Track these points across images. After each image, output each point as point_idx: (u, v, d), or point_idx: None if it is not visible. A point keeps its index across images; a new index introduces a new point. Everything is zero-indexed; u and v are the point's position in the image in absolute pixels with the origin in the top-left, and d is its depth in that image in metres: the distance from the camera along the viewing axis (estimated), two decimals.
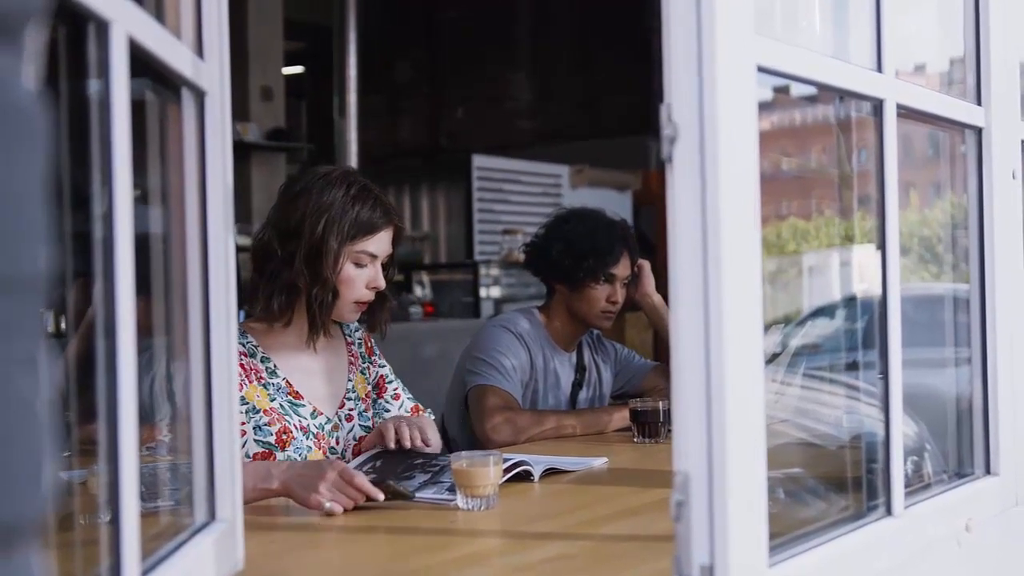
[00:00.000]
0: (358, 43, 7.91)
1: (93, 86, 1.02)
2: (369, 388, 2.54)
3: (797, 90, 1.60)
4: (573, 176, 8.44)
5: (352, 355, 2.53)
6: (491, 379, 2.95)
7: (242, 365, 2.29)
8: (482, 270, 7.51)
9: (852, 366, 1.96)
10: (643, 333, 6.41)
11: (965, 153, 1.93)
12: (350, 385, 2.49)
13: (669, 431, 2.75)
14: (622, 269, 3.10)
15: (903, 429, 1.60)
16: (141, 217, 1.10)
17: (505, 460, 2.11)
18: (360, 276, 2.35)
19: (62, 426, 0.69)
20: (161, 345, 1.46)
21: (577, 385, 3.21)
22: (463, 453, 2.04)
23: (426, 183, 8.80)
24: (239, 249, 2.03)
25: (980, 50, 1.88)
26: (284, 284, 2.31)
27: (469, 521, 1.91)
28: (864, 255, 1.86)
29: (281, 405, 2.32)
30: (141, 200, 1.21)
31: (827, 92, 1.65)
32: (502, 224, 8.03)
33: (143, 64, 1.15)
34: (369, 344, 2.59)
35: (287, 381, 2.36)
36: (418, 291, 7.46)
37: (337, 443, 2.41)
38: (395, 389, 2.58)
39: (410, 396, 2.60)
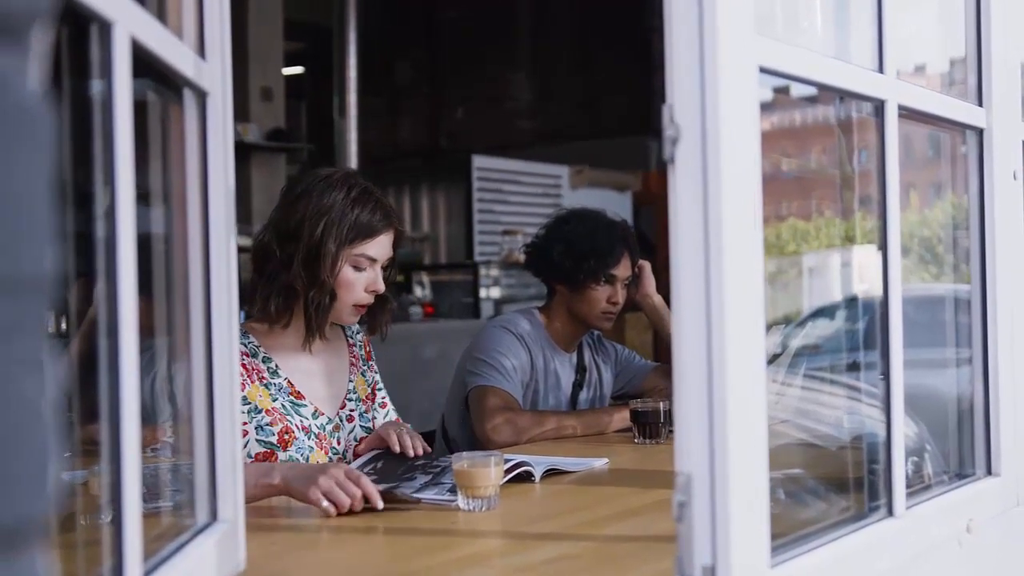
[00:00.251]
0: (358, 43, 7.91)
1: (96, 86, 1.02)
2: (369, 391, 2.55)
3: (797, 91, 1.60)
4: (573, 177, 8.44)
5: (353, 356, 2.53)
6: (492, 380, 2.95)
7: (244, 365, 2.29)
8: (482, 271, 7.51)
9: (853, 367, 1.96)
10: (643, 334, 6.41)
11: (965, 154, 1.93)
12: (351, 386, 2.49)
13: (670, 432, 2.75)
14: (623, 270, 3.10)
15: (903, 430, 1.60)
16: (143, 217, 1.09)
17: (506, 461, 2.11)
18: (359, 279, 2.34)
19: (64, 426, 0.69)
20: (163, 345, 1.46)
21: (577, 386, 3.21)
22: (464, 454, 2.04)
23: (426, 183, 8.80)
24: (239, 250, 2.03)
25: (981, 51, 1.88)
26: (282, 286, 2.30)
27: (470, 522, 1.91)
28: (864, 256, 1.86)
29: (283, 405, 2.32)
30: (143, 200, 1.21)
31: (827, 93, 1.65)
32: (502, 225, 8.03)
33: (145, 64, 1.15)
34: (368, 348, 2.59)
35: (288, 381, 2.36)
36: (418, 292, 7.46)
37: (338, 443, 2.41)
38: (383, 397, 2.58)
39: (392, 408, 2.61)
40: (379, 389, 2.58)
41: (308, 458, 2.31)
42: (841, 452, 1.96)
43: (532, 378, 3.08)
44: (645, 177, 8.44)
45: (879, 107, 1.58)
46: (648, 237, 7.11)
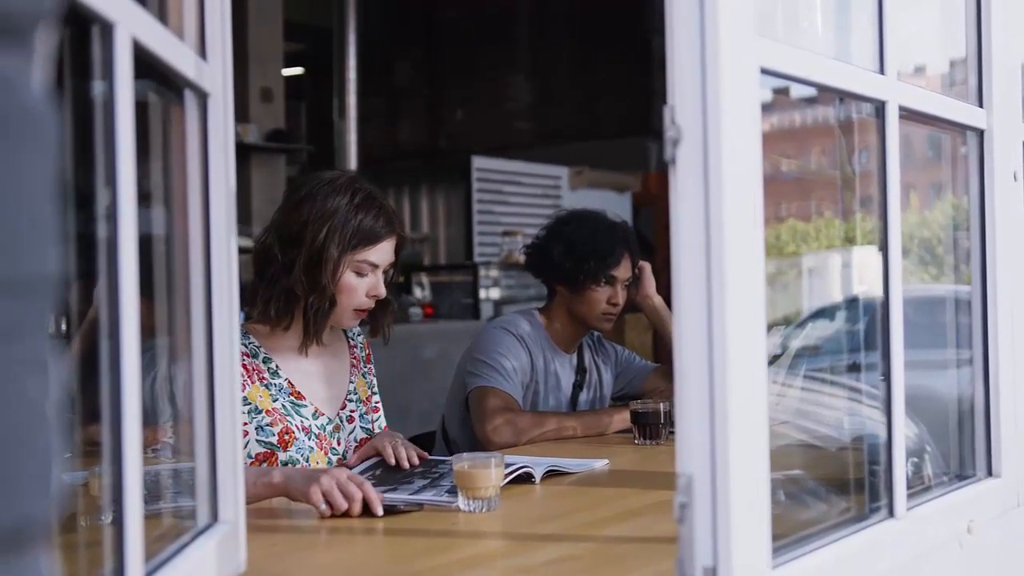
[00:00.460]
0: (358, 44, 7.91)
1: (97, 87, 1.02)
2: (369, 392, 2.55)
3: (796, 92, 1.60)
4: (572, 178, 8.45)
5: (354, 358, 2.53)
6: (492, 381, 2.95)
7: (244, 366, 2.29)
8: (482, 271, 7.51)
9: (853, 368, 1.96)
10: (643, 335, 6.41)
11: (965, 154, 1.93)
12: (351, 387, 2.49)
13: (670, 433, 2.75)
14: (623, 271, 3.10)
15: (904, 431, 1.60)
16: (144, 218, 1.09)
17: (507, 465, 2.11)
18: (360, 285, 2.34)
19: (66, 427, 0.69)
20: (163, 345, 1.46)
21: (578, 387, 3.21)
22: (464, 455, 2.04)
23: (426, 184, 8.81)
24: (239, 251, 2.03)
25: (982, 52, 1.88)
26: (282, 289, 2.30)
27: (470, 523, 1.91)
28: (864, 256, 1.86)
29: (283, 406, 2.32)
30: (144, 201, 1.21)
31: (828, 93, 1.66)
32: (502, 225, 8.04)
33: (146, 65, 1.15)
34: (368, 351, 2.59)
35: (289, 382, 2.36)
36: (418, 292, 7.46)
37: (338, 444, 2.41)
38: (376, 402, 2.58)
39: (382, 414, 2.60)
40: (375, 393, 2.58)
41: (308, 459, 2.31)
42: (841, 453, 1.96)
43: (532, 379, 3.08)
44: (644, 178, 8.44)
45: (880, 108, 1.58)
46: (647, 238, 7.10)
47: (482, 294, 7.45)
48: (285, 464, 2.27)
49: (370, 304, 2.37)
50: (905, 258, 1.61)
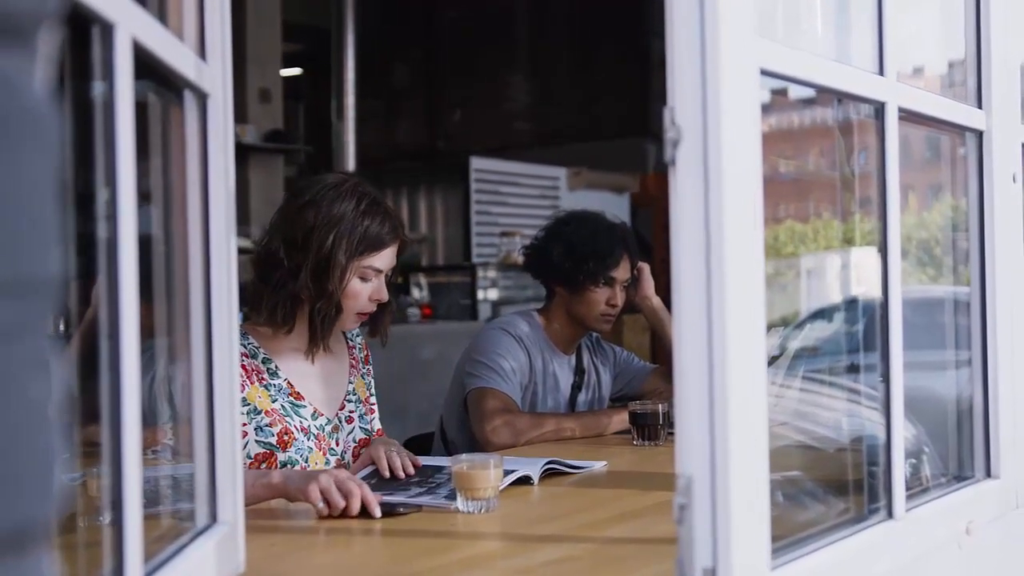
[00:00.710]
0: (356, 45, 7.91)
1: (97, 88, 1.02)
2: (368, 393, 2.55)
3: (795, 93, 1.60)
4: (571, 178, 8.45)
5: (353, 359, 2.53)
6: (490, 382, 2.95)
7: (243, 366, 2.29)
8: (480, 272, 7.51)
9: (851, 369, 1.96)
10: (640, 336, 6.41)
11: (964, 156, 1.94)
12: (351, 388, 2.49)
13: (669, 434, 2.75)
14: (622, 272, 3.10)
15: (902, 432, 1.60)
16: (143, 218, 1.09)
17: (506, 472, 2.11)
18: (364, 289, 2.35)
19: (66, 428, 0.69)
20: (162, 346, 1.46)
21: (576, 387, 3.21)
22: (463, 456, 2.04)
23: (424, 185, 8.81)
24: (237, 251, 2.03)
25: (981, 53, 1.88)
26: (289, 295, 2.30)
27: (469, 524, 1.91)
28: (863, 257, 1.86)
29: (283, 406, 2.32)
30: (143, 202, 1.21)
31: (827, 95, 1.65)
32: (500, 226, 8.04)
33: (146, 66, 1.15)
34: (366, 351, 2.59)
35: (288, 382, 2.36)
36: (416, 293, 7.46)
37: (337, 444, 2.41)
38: (372, 403, 2.58)
39: (377, 416, 2.60)
40: (372, 394, 2.58)
41: (307, 459, 2.31)
42: (840, 454, 1.96)
43: (531, 380, 3.08)
44: (643, 179, 8.44)
45: (879, 109, 1.58)
46: (646, 239, 7.10)
47: (480, 295, 7.45)
48: (284, 465, 2.27)
49: (372, 308, 2.38)
50: (903, 259, 1.61)
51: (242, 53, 7.22)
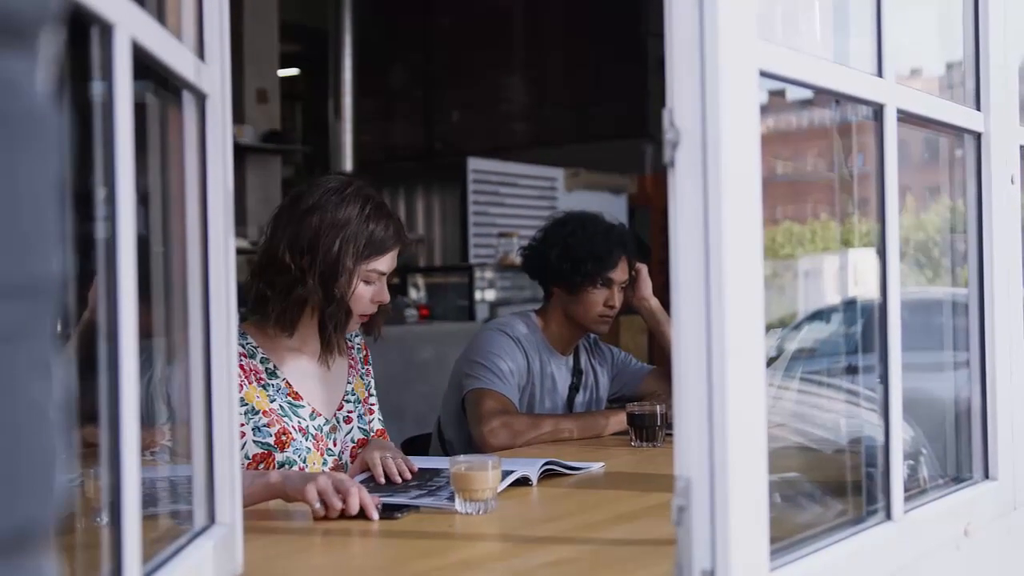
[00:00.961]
0: (353, 46, 7.91)
1: (96, 88, 1.02)
2: (367, 394, 2.55)
3: (792, 94, 1.60)
4: (568, 179, 8.44)
5: (352, 359, 2.53)
6: (488, 383, 2.95)
7: (241, 366, 2.29)
8: (477, 273, 7.50)
9: (848, 370, 1.96)
10: (638, 337, 6.41)
11: (962, 157, 1.94)
12: (349, 388, 2.49)
13: (667, 435, 2.75)
14: (620, 273, 3.10)
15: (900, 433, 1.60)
16: (141, 219, 1.09)
17: (505, 472, 2.10)
18: (367, 292, 2.36)
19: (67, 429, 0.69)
20: (159, 347, 1.45)
21: (574, 389, 3.21)
22: (461, 457, 2.03)
23: (421, 186, 8.80)
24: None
25: (979, 55, 1.88)
26: (296, 300, 2.31)
27: (468, 525, 1.90)
28: (860, 259, 1.86)
29: (281, 406, 2.32)
30: (142, 202, 1.21)
31: (825, 96, 1.65)
32: (497, 227, 8.03)
33: (144, 67, 1.15)
34: (366, 352, 2.59)
35: (287, 382, 2.36)
36: (413, 294, 7.46)
37: (334, 444, 2.41)
38: (372, 404, 2.58)
39: (380, 417, 2.60)
40: (371, 394, 2.58)
41: (305, 459, 2.31)
42: (838, 456, 1.96)
43: (528, 381, 3.08)
44: (640, 180, 8.44)
45: (878, 111, 1.58)
46: (644, 240, 7.11)
47: (477, 296, 7.44)
48: (282, 465, 2.26)
49: (374, 310, 2.39)
50: (901, 261, 1.61)
51: (239, 53, 7.21)
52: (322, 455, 2.36)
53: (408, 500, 2.03)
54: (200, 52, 1.39)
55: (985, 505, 1.85)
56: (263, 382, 2.33)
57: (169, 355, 1.47)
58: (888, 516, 1.57)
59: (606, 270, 3.07)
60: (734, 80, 1.21)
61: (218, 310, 1.42)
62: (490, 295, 7.49)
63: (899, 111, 1.60)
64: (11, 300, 0.58)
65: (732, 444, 1.19)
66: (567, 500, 2.17)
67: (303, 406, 2.36)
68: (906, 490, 1.61)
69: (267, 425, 2.28)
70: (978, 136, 1.89)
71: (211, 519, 1.42)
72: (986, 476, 1.89)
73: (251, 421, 2.27)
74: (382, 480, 2.18)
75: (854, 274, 1.98)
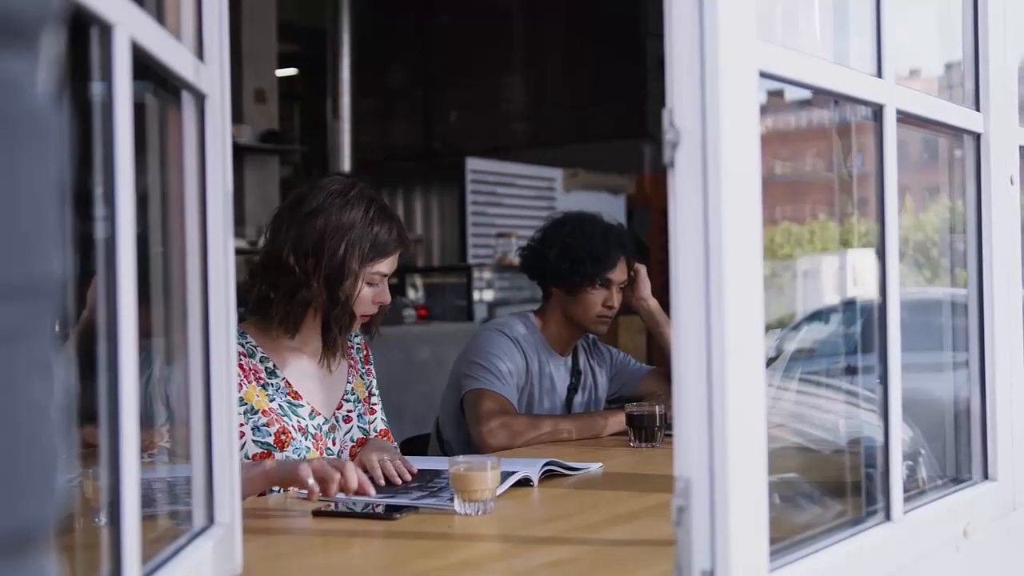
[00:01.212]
0: (352, 46, 7.91)
1: (96, 88, 1.01)
2: (367, 393, 2.55)
3: (791, 94, 1.60)
4: (567, 179, 8.45)
5: (352, 359, 2.53)
6: (487, 383, 2.95)
7: (241, 365, 2.29)
8: (475, 273, 7.51)
9: (848, 370, 1.96)
10: (636, 337, 6.41)
11: (961, 157, 1.94)
12: (349, 387, 2.49)
13: (666, 436, 2.75)
14: (619, 274, 3.10)
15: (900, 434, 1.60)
16: (140, 219, 1.09)
17: (506, 473, 2.10)
18: (370, 294, 2.37)
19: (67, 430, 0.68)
20: (158, 347, 1.45)
21: (572, 389, 3.21)
22: (460, 458, 2.03)
23: (420, 186, 8.81)
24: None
25: (979, 55, 1.88)
26: (301, 302, 2.31)
27: (467, 526, 1.90)
28: (859, 259, 1.86)
29: (280, 406, 2.33)
30: (141, 202, 1.21)
31: (822, 96, 1.65)
32: (496, 227, 8.03)
33: (144, 67, 1.15)
34: (366, 351, 2.60)
35: (287, 381, 2.36)
36: (411, 294, 7.46)
37: (334, 444, 2.41)
38: (374, 404, 2.58)
39: (383, 418, 2.60)
40: (373, 394, 2.58)
41: (305, 458, 2.31)
42: (837, 456, 1.96)
43: (527, 381, 3.08)
44: (639, 180, 8.44)
45: (878, 112, 1.58)
46: (642, 241, 7.11)
47: (476, 296, 7.45)
48: (277, 484, 2.25)
49: (375, 311, 2.40)
50: (900, 261, 1.61)
51: (238, 53, 7.22)
52: (321, 454, 2.36)
53: (410, 501, 2.03)
54: (199, 52, 1.39)
55: (984, 506, 1.84)
56: (262, 381, 2.33)
57: (168, 355, 1.47)
58: (887, 517, 1.57)
59: (605, 270, 3.07)
60: (734, 80, 1.21)
61: (217, 310, 1.42)
62: (488, 295, 7.49)
63: (899, 112, 1.60)
64: (11, 300, 0.58)
65: (732, 444, 1.18)
66: (566, 500, 2.17)
67: (302, 405, 2.36)
68: (905, 491, 1.61)
69: (266, 424, 2.28)
70: (977, 137, 1.89)
71: (210, 519, 1.42)
72: (985, 477, 1.89)
73: (250, 421, 2.27)
74: (382, 483, 2.18)
75: (853, 274, 1.98)
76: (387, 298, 2.40)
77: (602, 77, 9.23)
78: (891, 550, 1.57)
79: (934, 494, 1.79)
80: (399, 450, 2.54)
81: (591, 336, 3.29)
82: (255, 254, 2.46)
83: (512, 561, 1.71)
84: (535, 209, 8.07)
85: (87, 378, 1.04)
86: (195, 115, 1.39)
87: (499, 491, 2.02)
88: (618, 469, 2.49)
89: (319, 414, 2.39)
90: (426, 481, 2.21)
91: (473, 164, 8.17)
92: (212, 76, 1.41)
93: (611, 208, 7.39)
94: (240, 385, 2.26)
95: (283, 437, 2.29)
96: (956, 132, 1.90)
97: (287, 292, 2.31)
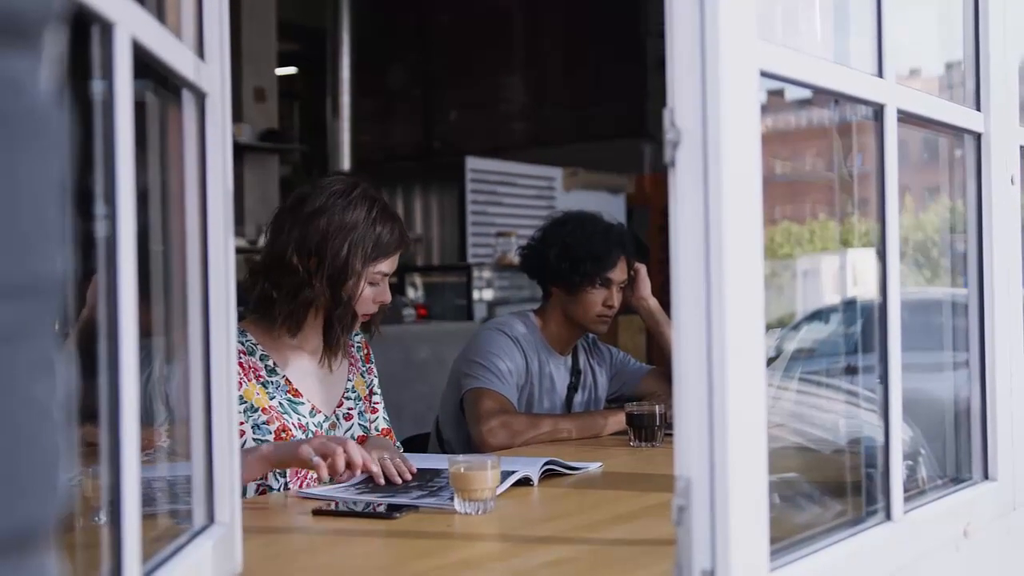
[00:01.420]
0: (352, 44, 7.90)
1: (97, 87, 1.01)
2: (368, 392, 2.55)
3: (791, 94, 1.60)
4: (566, 179, 8.45)
5: (352, 357, 2.54)
6: (487, 383, 2.95)
7: (241, 363, 2.29)
8: (475, 272, 7.51)
9: (848, 370, 1.96)
10: (636, 337, 6.42)
11: (962, 157, 1.93)
12: (349, 385, 2.50)
13: (666, 435, 2.75)
14: (619, 273, 3.10)
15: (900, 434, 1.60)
16: (141, 217, 1.09)
17: (506, 472, 2.10)
18: (371, 293, 2.38)
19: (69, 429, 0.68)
20: (158, 346, 1.45)
21: (572, 388, 3.21)
22: (460, 457, 2.03)
23: (419, 185, 8.81)
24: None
25: (979, 55, 1.88)
26: (304, 301, 2.32)
27: (467, 525, 1.90)
28: (859, 259, 1.86)
29: (281, 403, 2.33)
30: (141, 201, 1.21)
31: (822, 96, 1.65)
32: (495, 227, 8.03)
33: (144, 65, 1.14)
34: (367, 350, 2.60)
35: (287, 379, 2.36)
36: (411, 293, 7.46)
37: None
38: (376, 403, 2.58)
39: (386, 417, 2.60)
40: (374, 393, 2.58)
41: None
42: (838, 456, 1.96)
43: (527, 381, 3.08)
44: (639, 180, 8.44)
45: (878, 111, 1.58)
46: (642, 240, 7.10)
47: (475, 295, 7.45)
48: (277, 467, 2.26)
49: (375, 310, 2.40)
50: (900, 261, 1.61)
51: (237, 52, 7.21)
52: None
53: (411, 500, 2.03)
54: (200, 51, 1.39)
55: (985, 506, 1.84)
56: (262, 379, 2.33)
57: (168, 354, 1.47)
58: (888, 516, 1.57)
59: (605, 270, 3.07)
60: (735, 80, 1.21)
61: (217, 309, 1.42)
62: (488, 295, 7.49)
63: (899, 111, 1.60)
64: (13, 299, 0.58)
65: (732, 444, 1.18)
66: (566, 500, 2.17)
67: (303, 403, 2.37)
68: (906, 491, 1.61)
69: (266, 423, 2.29)
70: (978, 136, 1.89)
71: (210, 518, 1.42)
72: (986, 477, 1.89)
73: (250, 419, 2.27)
74: (382, 481, 2.18)
75: (853, 274, 1.98)
76: (388, 297, 2.41)
77: (602, 77, 9.23)
78: (891, 550, 1.57)
79: (934, 494, 1.79)
80: (402, 449, 2.54)
81: (591, 335, 3.29)
82: (255, 253, 2.47)
83: (512, 560, 1.71)
84: (535, 208, 8.07)
85: (86, 377, 1.04)
86: (195, 113, 1.39)
87: (499, 490, 2.02)
88: (618, 469, 2.49)
89: (319, 412, 2.39)
90: (426, 480, 2.21)
91: (473, 163, 8.17)
92: (213, 74, 1.41)
93: (611, 207, 7.39)
94: (240, 383, 2.27)
95: (283, 435, 2.29)
96: (957, 132, 1.90)
97: (290, 291, 2.31)
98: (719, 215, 1.19)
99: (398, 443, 2.62)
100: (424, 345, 6.11)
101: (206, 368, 1.42)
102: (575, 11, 9.33)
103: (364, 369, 2.57)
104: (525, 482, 2.21)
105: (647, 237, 7.26)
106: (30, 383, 0.59)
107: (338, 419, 2.44)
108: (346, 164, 8.16)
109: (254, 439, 2.26)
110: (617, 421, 2.94)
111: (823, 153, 2.01)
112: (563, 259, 3.06)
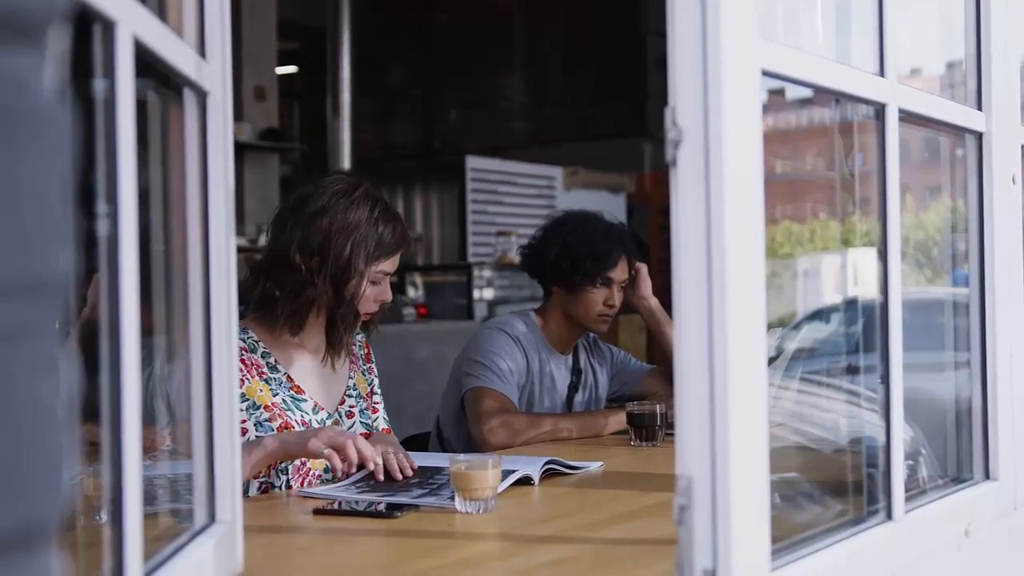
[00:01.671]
0: (352, 44, 7.90)
1: (99, 85, 1.01)
2: (369, 390, 2.55)
3: (792, 93, 1.60)
4: (567, 178, 8.44)
5: (353, 355, 2.54)
6: (487, 382, 2.95)
7: (243, 360, 2.30)
8: (475, 272, 7.50)
9: (849, 370, 1.96)
10: (636, 336, 6.41)
11: (963, 156, 1.93)
12: (351, 383, 2.50)
13: (666, 435, 2.75)
14: (619, 273, 3.10)
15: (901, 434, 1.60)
16: (142, 216, 1.09)
17: (506, 471, 2.10)
18: (372, 292, 2.38)
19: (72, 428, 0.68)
20: (159, 345, 1.45)
21: (573, 388, 3.21)
22: (460, 456, 2.03)
23: (420, 184, 8.80)
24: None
25: (981, 54, 1.88)
26: (306, 300, 2.32)
27: (467, 524, 1.90)
28: (860, 258, 1.86)
29: (283, 400, 2.33)
30: (142, 199, 1.21)
31: (823, 95, 1.65)
32: (496, 226, 8.03)
33: (146, 64, 1.14)
34: (367, 349, 2.60)
35: (288, 376, 2.37)
36: (411, 292, 7.45)
37: None
38: (376, 402, 2.58)
39: (385, 417, 2.60)
40: (375, 393, 2.58)
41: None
42: (839, 456, 1.96)
43: (528, 380, 3.08)
44: (639, 179, 8.44)
45: (880, 110, 1.58)
46: (643, 240, 7.10)
47: (476, 294, 7.45)
48: (282, 461, 2.26)
49: (376, 308, 2.41)
50: (902, 261, 1.61)
51: (238, 51, 7.20)
52: None
53: (411, 500, 2.03)
54: (201, 50, 1.39)
55: (986, 505, 1.84)
56: (265, 376, 2.33)
57: (169, 353, 1.47)
58: (889, 516, 1.57)
59: (605, 269, 3.06)
60: (736, 79, 1.21)
61: (219, 307, 1.42)
62: (488, 294, 7.49)
63: (901, 110, 1.60)
64: (15, 299, 0.58)
65: (733, 443, 1.18)
66: (567, 499, 2.17)
67: (305, 400, 2.37)
68: (907, 490, 1.61)
69: (269, 420, 2.29)
70: (979, 136, 1.89)
71: (211, 518, 1.42)
72: (987, 476, 1.89)
73: (253, 416, 2.28)
74: (381, 478, 2.18)
75: (854, 274, 1.98)
76: (389, 296, 2.42)
77: (602, 76, 9.22)
78: (892, 550, 1.57)
79: (935, 494, 1.79)
80: (402, 447, 2.55)
81: (592, 335, 3.29)
82: (255, 252, 2.48)
83: (513, 560, 1.71)
84: (535, 208, 8.07)
85: (87, 375, 1.04)
86: (197, 112, 1.39)
87: (500, 490, 2.02)
88: (619, 468, 2.49)
89: (322, 409, 2.40)
90: (426, 478, 2.21)
91: (473, 163, 8.17)
92: (214, 73, 1.41)
93: (611, 207, 7.38)
94: (242, 380, 2.27)
95: (286, 432, 2.29)
96: (958, 131, 1.90)
97: (292, 291, 2.32)
98: (720, 214, 1.19)
99: (397, 442, 2.62)
100: (424, 344, 6.11)
101: (207, 367, 1.42)
102: (575, 11, 9.33)
103: (365, 368, 2.57)
104: (526, 481, 2.21)
105: (647, 236, 7.25)
106: (32, 382, 0.59)
107: (340, 416, 2.44)
108: (346, 163, 8.16)
109: (257, 436, 2.26)
110: (618, 420, 2.93)
111: (824, 152, 2.01)
112: (564, 258, 3.06)
